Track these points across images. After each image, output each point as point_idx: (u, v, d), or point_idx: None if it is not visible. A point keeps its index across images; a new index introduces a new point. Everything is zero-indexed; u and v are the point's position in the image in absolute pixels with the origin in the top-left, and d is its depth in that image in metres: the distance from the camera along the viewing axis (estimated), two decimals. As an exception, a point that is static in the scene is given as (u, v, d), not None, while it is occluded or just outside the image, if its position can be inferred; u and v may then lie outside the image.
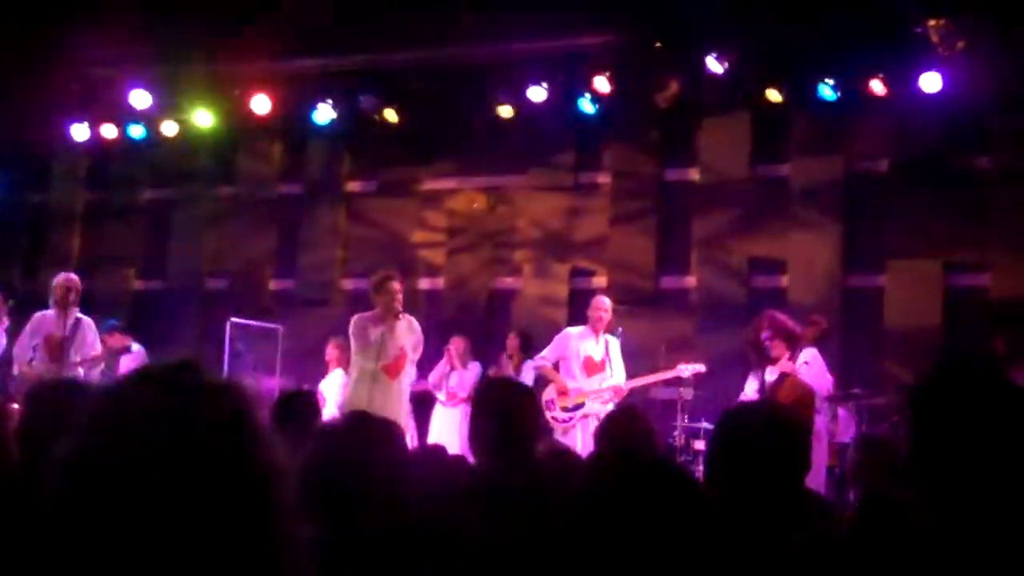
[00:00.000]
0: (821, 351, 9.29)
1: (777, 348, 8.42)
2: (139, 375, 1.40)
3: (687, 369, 9.74)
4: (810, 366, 8.91)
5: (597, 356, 9.81)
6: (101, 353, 9.77)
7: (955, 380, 2.31)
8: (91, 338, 9.69)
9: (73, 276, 9.81)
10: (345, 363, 11.37)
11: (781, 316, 8.73)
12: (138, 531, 1.28)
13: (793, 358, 8.50)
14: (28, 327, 9.66)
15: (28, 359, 9.44)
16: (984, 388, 2.26)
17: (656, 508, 2.22)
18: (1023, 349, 8.78)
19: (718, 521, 2.63)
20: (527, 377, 10.16)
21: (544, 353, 10.01)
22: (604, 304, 9.94)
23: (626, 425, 5.19)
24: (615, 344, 9.88)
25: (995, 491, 2.16)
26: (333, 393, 10.97)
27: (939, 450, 2.22)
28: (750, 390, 8.72)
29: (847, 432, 9.34)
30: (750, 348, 8.70)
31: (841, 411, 9.67)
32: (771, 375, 8.39)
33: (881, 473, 5.39)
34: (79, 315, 9.66)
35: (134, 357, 10.84)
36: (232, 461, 1.32)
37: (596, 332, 9.86)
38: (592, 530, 2.16)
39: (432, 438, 10.73)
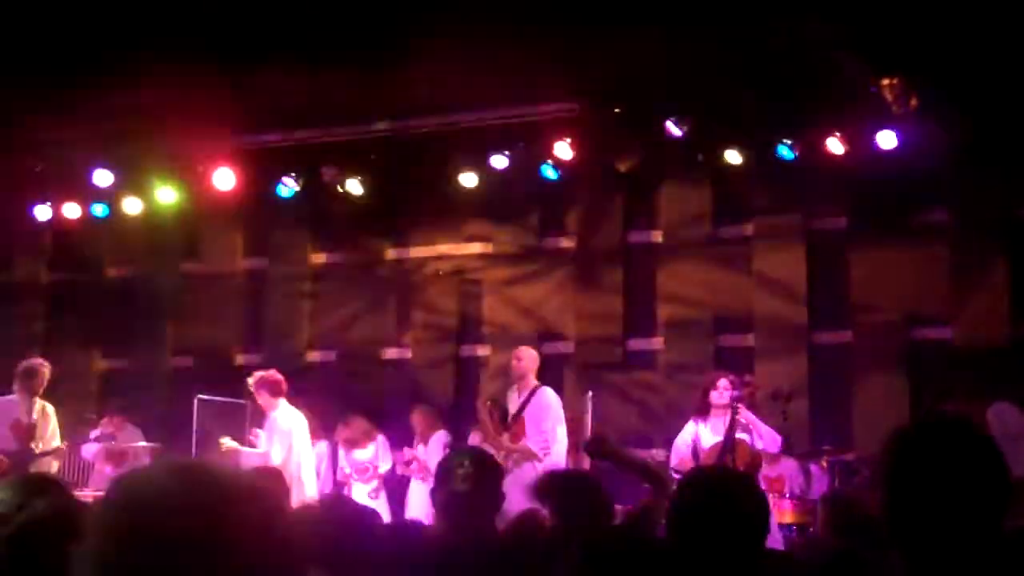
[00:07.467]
0: (769, 413, 9.33)
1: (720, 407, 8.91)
2: (158, 472, 1.37)
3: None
4: (755, 430, 8.94)
5: (512, 409, 9.70)
6: (63, 447, 9.68)
7: (930, 440, 2.28)
8: (53, 427, 9.60)
9: (41, 361, 9.73)
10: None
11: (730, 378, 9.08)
12: None
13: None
14: None
15: None
16: (960, 446, 2.25)
17: None
18: (983, 396, 8.90)
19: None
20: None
21: None
22: (517, 352, 9.89)
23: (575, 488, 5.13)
24: (537, 401, 9.63)
25: (976, 549, 2.15)
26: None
27: (916, 511, 2.20)
28: (687, 436, 8.95)
29: (819, 489, 9.34)
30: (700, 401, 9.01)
31: (813, 467, 9.69)
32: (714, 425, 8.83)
33: (848, 530, 5.40)
34: (43, 402, 9.58)
35: (131, 435, 10.77)
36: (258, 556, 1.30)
37: (514, 383, 9.78)
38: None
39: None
